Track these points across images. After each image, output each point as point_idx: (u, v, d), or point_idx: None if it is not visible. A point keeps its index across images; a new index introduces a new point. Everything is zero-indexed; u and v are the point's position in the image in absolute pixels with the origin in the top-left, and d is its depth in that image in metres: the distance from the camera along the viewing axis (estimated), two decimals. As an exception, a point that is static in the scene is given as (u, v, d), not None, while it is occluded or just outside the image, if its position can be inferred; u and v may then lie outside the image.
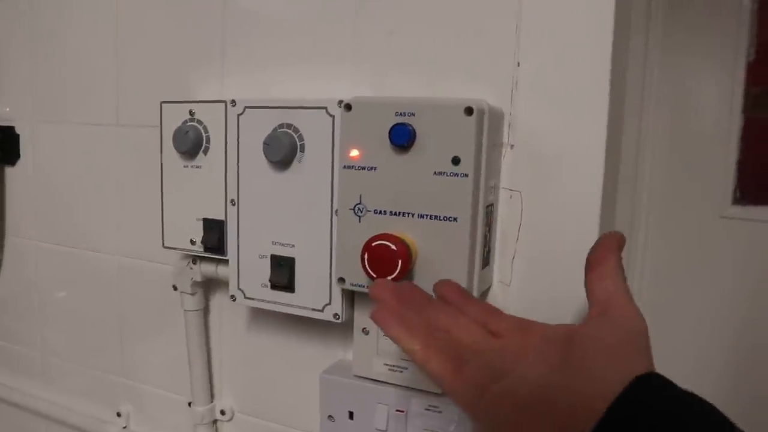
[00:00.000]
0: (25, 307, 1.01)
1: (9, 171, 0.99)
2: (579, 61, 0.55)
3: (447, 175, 0.54)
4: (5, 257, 1.02)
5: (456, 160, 0.54)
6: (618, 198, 0.64)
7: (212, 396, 0.81)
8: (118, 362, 0.91)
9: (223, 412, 0.80)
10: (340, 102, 0.59)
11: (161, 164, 0.72)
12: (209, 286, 0.78)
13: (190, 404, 0.81)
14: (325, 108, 0.61)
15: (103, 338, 0.92)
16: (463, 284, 0.55)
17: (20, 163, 0.97)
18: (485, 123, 0.54)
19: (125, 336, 0.89)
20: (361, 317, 0.63)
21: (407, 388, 0.62)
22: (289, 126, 0.63)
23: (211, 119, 0.69)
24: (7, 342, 1.04)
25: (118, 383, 0.91)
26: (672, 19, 0.68)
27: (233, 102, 0.66)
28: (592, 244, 0.57)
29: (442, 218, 0.55)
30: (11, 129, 0.97)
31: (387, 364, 0.63)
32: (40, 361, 1.01)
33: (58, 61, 0.91)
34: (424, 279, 0.56)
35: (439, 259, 0.55)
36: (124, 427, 0.91)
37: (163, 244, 0.74)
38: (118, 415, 0.91)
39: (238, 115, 0.66)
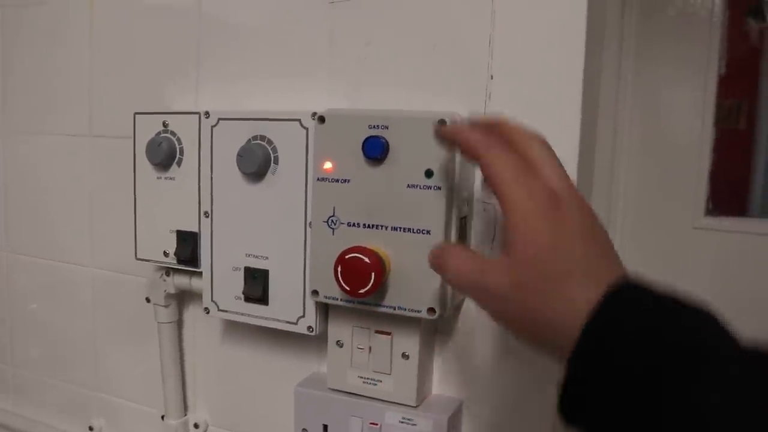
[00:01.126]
0: (-4, 319, 0.99)
1: (-20, 181, 0.97)
2: (551, 74, 0.56)
3: (420, 188, 0.54)
4: (-24, 269, 1.00)
5: (429, 173, 0.54)
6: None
7: (186, 409, 0.80)
8: (91, 375, 0.90)
9: (196, 426, 0.79)
10: (314, 114, 0.59)
11: (134, 176, 0.72)
12: (183, 298, 0.78)
13: (163, 417, 0.80)
14: (299, 120, 0.61)
15: (76, 351, 0.90)
16: (436, 298, 0.55)
17: (-8, 173, 0.96)
18: (458, 136, 0.54)
19: (98, 349, 0.88)
20: (335, 329, 0.63)
21: (381, 400, 0.62)
22: (263, 138, 0.63)
23: (185, 131, 0.68)
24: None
25: (91, 397, 0.90)
26: (645, 29, 0.68)
27: (207, 114, 0.66)
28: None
29: (415, 231, 0.55)
30: (-17, 139, 0.96)
31: (361, 377, 0.62)
32: (11, 375, 0.99)
33: (30, 71, 0.90)
34: (398, 292, 0.56)
35: (413, 271, 0.55)
36: (97, 441, 0.89)
37: (136, 255, 0.73)
38: (90, 429, 0.89)
39: (212, 127, 0.66)
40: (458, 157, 0.54)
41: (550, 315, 0.39)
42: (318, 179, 0.58)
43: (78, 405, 0.92)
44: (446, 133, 0.48)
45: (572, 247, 0.40)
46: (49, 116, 0.88)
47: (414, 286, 0.55)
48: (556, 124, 0.56)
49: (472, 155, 0.44)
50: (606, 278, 0.38)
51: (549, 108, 0.56)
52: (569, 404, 0.38)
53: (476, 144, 0.44)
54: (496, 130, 0.45)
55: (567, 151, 0.56)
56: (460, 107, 0.59)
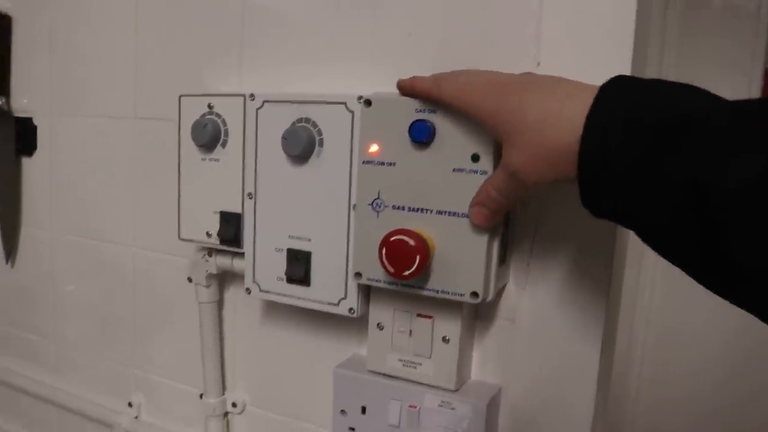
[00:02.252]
0: (39, 297, 1.01)
1: (26, 162, 0.99)
2: (598, 65, 0.55)
3: (466, 172, 0.54)
4: (21, 248, 1.02)
5: (475, 157, 0.54)
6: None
7: (224, 388, 0.81)
8: (130, 353, 0.91)
9: (234, 405, 0.81)
10: (360, 98, 0.59)
11: (179, 157, 0.73)
12: (224, 278, 0.79)
13: (201, 396, 0.81)
14: (345, 103, 0.61)
15: (117, 329, 0.92)
16: (479, 282, 0.55)
17: (37, 154, 0.98)
18: (505, 120, 0.54)
19: (139, 327, 0.90)
20: (377, 312, 0.63)
21: (421, 384, 0.62)
22: (307, 120, 0.63)
23: (230, 113, 0.69)
24: (22, 331, 1.05)
25: (131, 374, 0.92)
26: (688, 23, 0.68)
27: (252, 96, 0.66)
28: (611, 244, 0.57)
29: (460, 215, 0.55)
30: (29, 120, 0.97)
31: (401, 360, 0.63)
32: (53, 351, 1.01)
33: (77, 53, 0.91)
34: (441, 275, 0.56)
35: (456, 256, 0.55)
36: (136, 417, 0.91)
37: (179, 236, 0.74)
38: (130, 405, 0.91)
39: (257, 109, 0.66)
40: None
41: (558, 145, 0.43)
42: (363, 162, 0.58)
43: (118, 382, 0.93)
44: (400, 86, 0.56)
45: (536, 93, 0.45)
46: (94, 98, 0.90)
47: (458, 270, 0.55)
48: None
49: (426, 94, 0.53)
50: (586, 94, 0.42)
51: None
52: (589, 194, 0.42)
53: (425, 85, 0.53)
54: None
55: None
56: (506, 93, 0.59)
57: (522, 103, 0.45)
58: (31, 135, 0.97)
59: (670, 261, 0.39)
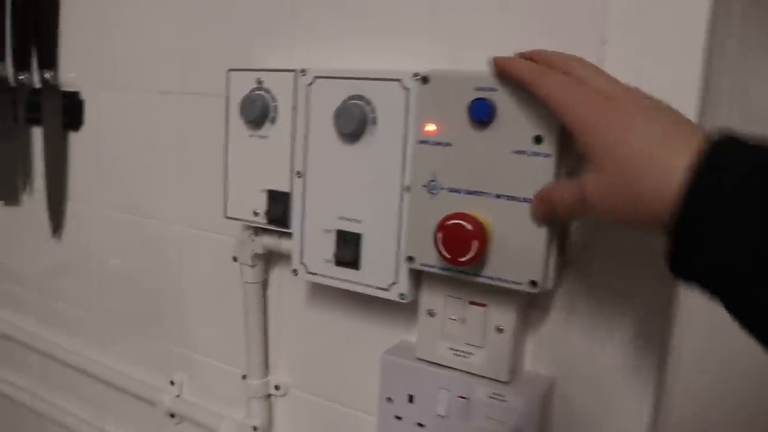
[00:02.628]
0: (84, 271, 1.01)
1: (72, 136, 0.99)
2: (670, 38, 0.52)
3: (528, 155, 0.51)
4: (66, 222, 1.03)
5: (538, 139, 0.51)
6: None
7: (267, 370, 0.80)
8: (174, 331, 0.91)
9: (277, 387, 0.79)
10: (416, 74, 0.57)
11: (226, 133, 0.71)
12: (270, 259, 0.77)
13: (244, 377, 0.80)
14: (400, 80, 0.59)
15: (161, 306, 0.92)
16: (539, 270, 0.52)
17: (84, 129, 0.97)
18: (570, 100, 0.51)
19: (182, 305, 0.89)
20: (428, 298, 0.61)
21: (472, 374, 0.60)
22: (360, 98, 0.61)
23: (280, 88, 0.67)
24: (67, 305, 1.06)
25: (174, 352, 0.92)
26: (753, 12, 0.63)
27: (303, 71, 0.64)
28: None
29: (521, 200, 0.52)
30: (76, 95, 0.97)
31: (452, 349, 0.61)
32: (97, 326, 1.02)
33: (124, 27, 0.90)
34: (499, 262, 0.53)
35: (516, 242, 0.53)
36: (177, 396, 0.91)
37: (225, 214, 0.73)
38: (172, 383, 0.91)
39: (308, 85, 0.64)
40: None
41: (652, 194, 0.39)
42: (419, 142, 0.56)
43: (161, 359, 0.93)
44: (497, 65, 0.51)
45: (641, 127, 0.40)
46: (141, 73, 0.89)
47: (516, 257, 0.53)
48: (673, 92, 0.52)
49: (522, 82, 0.48)
50: (692, 141, 0.38)
51: (666, 76, 0.52)
52: (681, 253, 0.38)
53: (525, 71, 0.48)
54: (537, 59, 0.49)
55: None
56: (571, 71, 0.55)
57: (626, 129, 0.41)
58: (78, 109, 0.97)
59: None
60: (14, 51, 1.01)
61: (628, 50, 0.54)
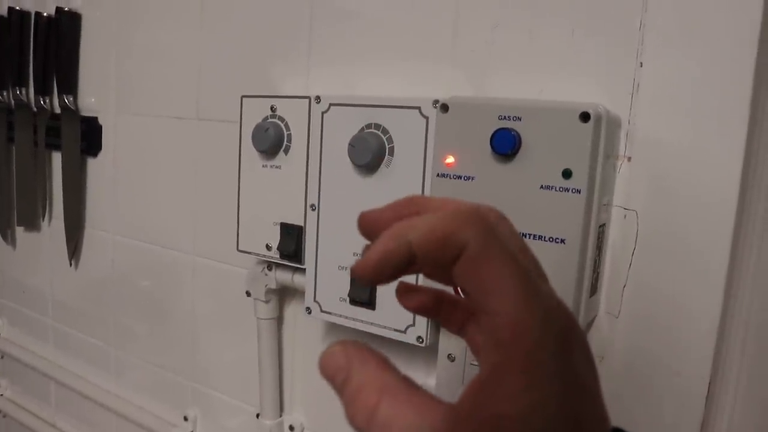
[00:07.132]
0: (100, 299, 0.99)
1: (90, 162, 0.97)
2: (714, 64, 0.47)
3: (556, 190, 0.47)
4: (83, 248, 1.01)
5: (567, 173, 0.47)
6: (746, 218, 0.55)
7: (282, 409, 0.76)
8: (189, 364, 0.88)
9: (291, 428, 0.75)
10: (436, 102, 0.53)
11: (239, 163, 0.68)
12: (284, 294, 0.74)
13: (258, 416, 0.76)
14: (419, 108, 0.55)
15: (175, 338, 0.89)
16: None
17: (102, 154, 0.95)
18: (602, 131, 0.47)
19: (197, 337, 0.86)
20: (447, 342, 0.57)
21: (495, 424, 0.56)
22: (377, 126, 0.57)
23: (294, 116, 0.64)
24: (83, 333, 1.03)
25: (188, 386, 0.88)
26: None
27: (318, 98, 0.61)
28: (718, 278, 0.49)
29: (547, 239, 0.48)
30: (95, 120, 0.95)
31: (474, 397, 0.56)
32: (113, 357, 0.99)
33: (142, 53, 0.88)
34: (523, 306, 0.49)
35: (542, 285, 0.48)
36: (192, 432, 0.88)
37: (237, 247, 0.69)
38: (185, 419, 0.88)
39: (323, 113, 0.61)
40: (601, 156, 0.47)
41: None
42: (438, 175, 0.52)
43: (175, 393, 0.90)
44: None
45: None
46: (158, 98, 0.86)
47: (543, 302, 0.48)
48: (718, 122, 0.48)
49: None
50: None
51: (709, 103, 0.48)
52: None
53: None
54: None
55: (730, 154, 0.48)
56: (603, 98, 0.51)
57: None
58: (96, 135, 0.95)
59: None
60: (35, 77, 1.00)
61: (664, 74, 0.49)
